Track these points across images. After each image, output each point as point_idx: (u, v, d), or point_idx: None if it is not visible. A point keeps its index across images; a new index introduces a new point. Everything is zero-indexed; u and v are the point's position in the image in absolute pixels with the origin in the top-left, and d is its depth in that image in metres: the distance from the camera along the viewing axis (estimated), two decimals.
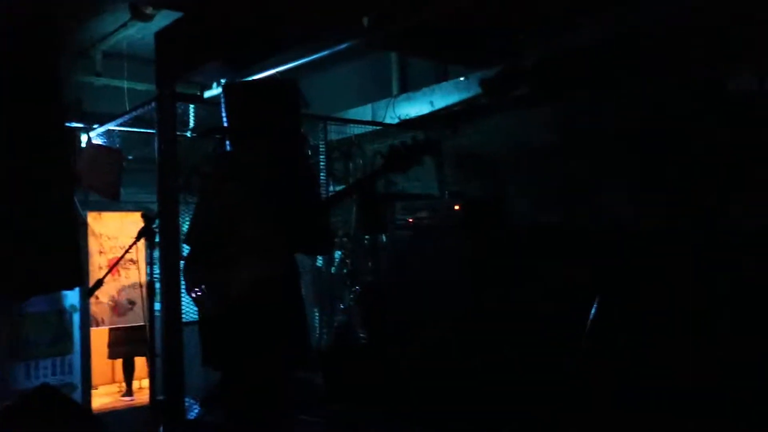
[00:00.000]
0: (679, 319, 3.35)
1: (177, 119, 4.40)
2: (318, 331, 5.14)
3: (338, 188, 5.35)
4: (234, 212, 2.85)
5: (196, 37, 4.29)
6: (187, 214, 4.51)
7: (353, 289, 4.91)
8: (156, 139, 4.29)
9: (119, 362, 6.61)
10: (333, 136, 5.52)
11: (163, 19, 4.78)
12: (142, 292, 3.77)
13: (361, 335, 4.49)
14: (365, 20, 3.88)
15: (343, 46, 4.49)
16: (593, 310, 3.65)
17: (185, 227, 4.78)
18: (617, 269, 3.83)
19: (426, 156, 2.83)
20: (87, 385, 4.71)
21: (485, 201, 4.90)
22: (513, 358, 3.90)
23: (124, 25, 5.52)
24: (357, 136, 5.69)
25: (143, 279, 4.16)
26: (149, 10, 4.85)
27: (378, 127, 5.74)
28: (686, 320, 3.33)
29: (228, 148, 3.49)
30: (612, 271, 3.85)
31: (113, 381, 6.89)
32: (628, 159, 4.26)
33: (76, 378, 4.56)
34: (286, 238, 2.79)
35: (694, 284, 3.41)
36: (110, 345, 6.18)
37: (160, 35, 4.60)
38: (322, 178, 5.35)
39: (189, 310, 4.47)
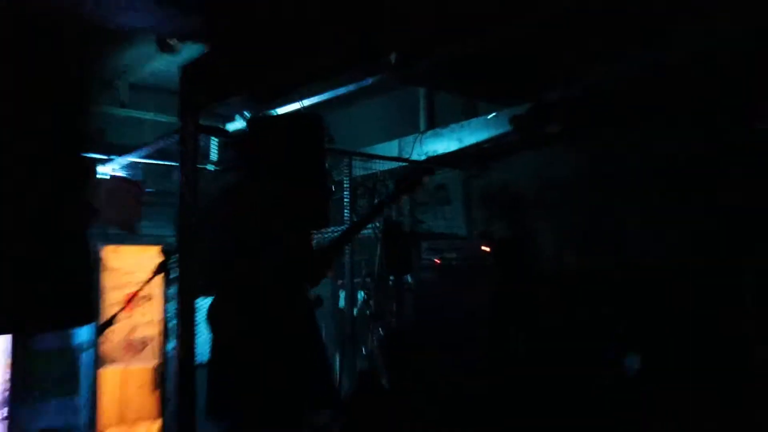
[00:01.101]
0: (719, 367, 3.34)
1: (199, 152, 4.30)
2: (338, 377, 5.00)
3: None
4: (242, 245, 2.78)
5: (221, 70, 4.23)
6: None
7: (376, 332, 4.77)
8: (177, 171, 4.16)
9: (128, 404, 6.50)
10: (358, 172, 5.51)
11: (189, 51, 4.81)
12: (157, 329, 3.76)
13: (384, 382, 4.34)
14: (393, 56, 3.85)
15: (369, 81, 4.46)
16: (627, 362, 3.64)
17: None
18: (649, 315, 3.81)
19: (424, 178, 2.90)
20: (93, 428, 4.59)
21: (514, 241, 4.86)
22: (542, 406, 3.86)
23: (150, 58, 5.54)
24: (383, 172, 5.67)
25: (159, 317, 4.16)
26: (175, 43, 4.87)
27: (404, 164, 5.71)
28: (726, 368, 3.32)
29: (249, 181, 3.54)
30: (644, 318, 3.84)
31: (121, 423, 6.75)
32: (659, 198, 4.23)
33: (83, 420, 4.45)
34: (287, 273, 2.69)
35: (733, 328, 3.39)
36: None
37: (185, 68, 4.56)
38: (345, 215, 5.30)
39: (204, 351, 4.28)
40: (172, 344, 4.22)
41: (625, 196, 4.39)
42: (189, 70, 4.53)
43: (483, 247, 4.60)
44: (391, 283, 4.78)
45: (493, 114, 5.19)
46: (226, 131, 4.86)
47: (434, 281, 4.78)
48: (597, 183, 4.59)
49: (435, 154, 5.59)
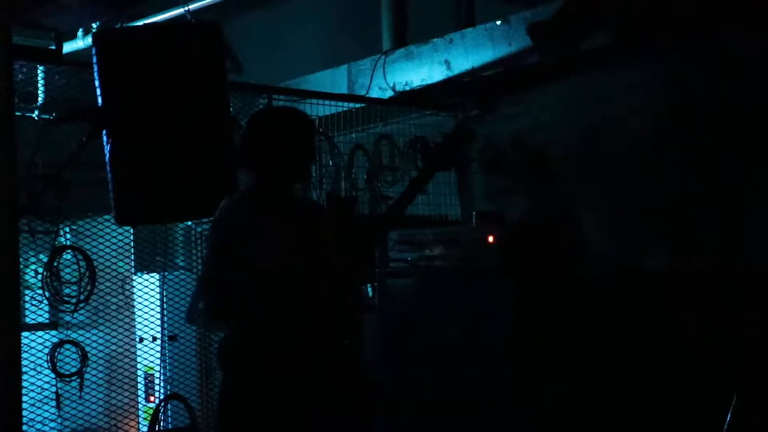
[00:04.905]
0: None
1: (15, 90, 4.10)
2: None
3: None
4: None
5: None
6: (34, 252, 4.40)
7: None
8: None
9: None
10: None
11: None
12: None
13: None
14: None
15: None
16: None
17: (28, 274, 4.60)
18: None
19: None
20: None
21: (540, 227, 4.92)
22: None
23: None
24: (323, 119, 5.50)
25: None
26: None
27: (358, 104, 5.64)
28: None
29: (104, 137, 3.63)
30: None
31: None
32: None
33: None
34: None
35: None
36: None
37: None
38: None
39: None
40: None
41: (729, 149, 4.37)
42: None
43: (488, 238, 4.53)
44: None
45: (500, 21, 5.13)
46: (60, 54, 4.61)
47: (410, 295, 4.78)
48: (679, 127, 4.57)
49: (408, 89, 5.57)
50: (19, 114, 4.30)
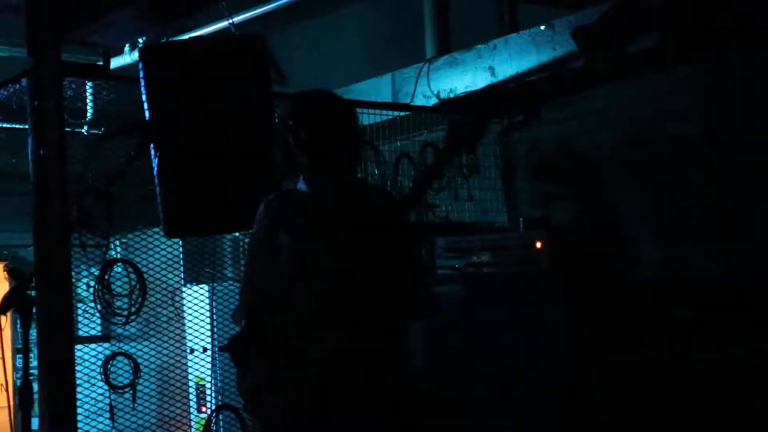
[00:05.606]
0: None
1: (65, 106, 4.23)
2: None
3: None
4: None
5: None
6: (85, 266, 4.45)
7: None
8: (29, 139, 4.12)
9: None
10: None
11: None
12: (9, 400, 3.82)
13: None
14: None
15: None
16: None
17: (80, 287, 4.65)
18: None
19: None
20: None
21: (587, 233, 4.84)
22: None
23: None
24: (367, 127, 5.48)
25: (10, 379, 4.22)
26: None
27: (402, 113, 5.63)
28: None
29: (152, 150, 3.65)
30: None
31: None
32: None
33: None
34: None
35: None
36: None
37: None
38: None
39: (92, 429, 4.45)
40: (35, 424, 4.05)
41: None
42: None
43: (536, 244, 4.50)
44: None
45: (544, 26, 5.13)
46: (108, 70, 4.68)
47: (458, 302, 4.71)
48: (729, 135, 4.48)
49: (452, 95, 5.55)
50: (68, 129, 4.36)
